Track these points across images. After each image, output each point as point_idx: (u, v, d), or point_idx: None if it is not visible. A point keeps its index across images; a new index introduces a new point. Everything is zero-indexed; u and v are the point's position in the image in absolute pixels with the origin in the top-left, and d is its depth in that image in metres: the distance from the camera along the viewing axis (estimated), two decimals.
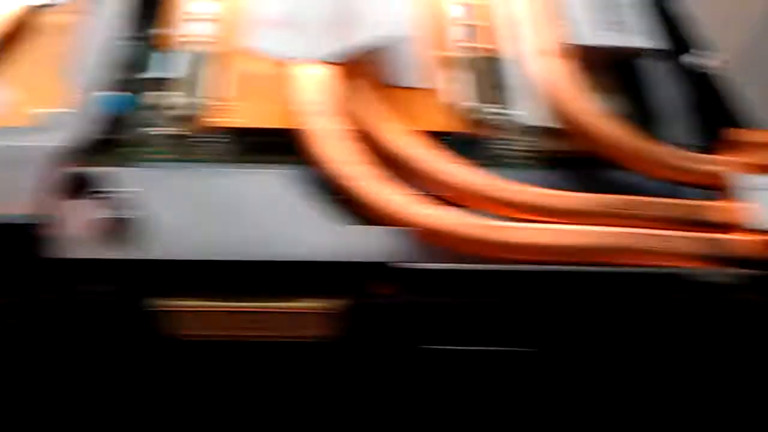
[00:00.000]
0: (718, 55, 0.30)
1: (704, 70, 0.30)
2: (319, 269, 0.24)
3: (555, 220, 0.25)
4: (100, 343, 0.25)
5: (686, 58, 0.30)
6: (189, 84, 0.29)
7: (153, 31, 0.31)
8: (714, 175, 0.26)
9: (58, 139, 0.26)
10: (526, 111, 0.29)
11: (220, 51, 0.30)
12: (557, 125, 0.28)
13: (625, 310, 0.25)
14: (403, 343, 0.26)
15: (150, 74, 0.30)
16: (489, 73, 0.30)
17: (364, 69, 0.29)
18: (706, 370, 0.27)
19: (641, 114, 0.29)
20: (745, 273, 0.24)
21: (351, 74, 0.29)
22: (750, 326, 0.25)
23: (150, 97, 0.29)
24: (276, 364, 0.26)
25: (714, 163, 0.26)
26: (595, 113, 0.27)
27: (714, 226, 0.25)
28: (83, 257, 0.24)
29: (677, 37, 0.31)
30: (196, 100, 0.29)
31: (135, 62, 0.30)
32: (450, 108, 0.29)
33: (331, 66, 0.28)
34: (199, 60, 0.30)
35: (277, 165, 0.27)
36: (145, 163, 0.27)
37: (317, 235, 0.24)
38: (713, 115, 0.28)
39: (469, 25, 0.32)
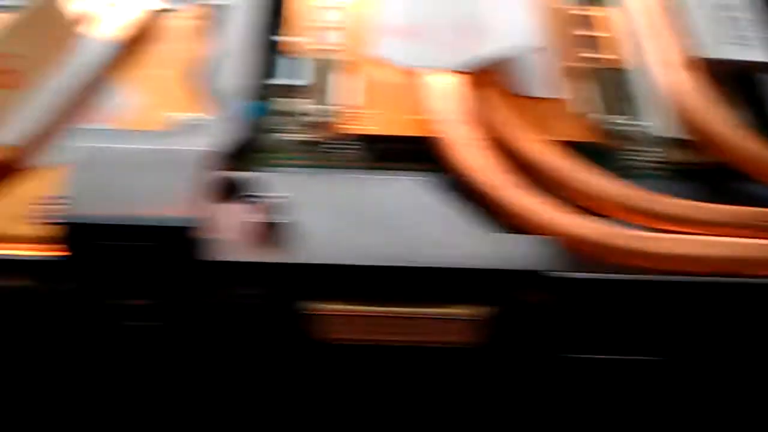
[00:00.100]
0: None
1: None
2: (469, 276, 0.24)
3: (692, 230, 0.25)
4: (251, 345, 0.25)
5: None
6: (318, 91, 0.30)
7: (279, 38, 0.32)
8: None
9: (204, 143, 0.26)
10: (654, 122, 0.29)
11: (346, 59, 0.31)
12: (687, 136, 0.28)
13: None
14: (548, 351, 0.26)
15: (277, 81, 0.30)
16: (614, 84, 0.31)
17: (493, 78, 0.29)
18: None
19: (762, 128, 0.29)
20: None
21: (481, 84, 0.29)
22: None
23: (280, 103, 0.29)
24: (418, 368, 0.26)
25: None
26: (726, 124, 0.27)
27: None
28: (236, 260, 0.24)
29: None
30: (326, 107, 0.29)
31: (263, 69, 0.30)
32: (579, 118, 0.29)
33: (460, 75, 0.29)
34: (325, 67, 0.30)
35: (412, 172, 0.27)
36: (285, 169, 0.27)
37: (465, 242, 0.24)
38: None
39: (592, 36, 0.32)
